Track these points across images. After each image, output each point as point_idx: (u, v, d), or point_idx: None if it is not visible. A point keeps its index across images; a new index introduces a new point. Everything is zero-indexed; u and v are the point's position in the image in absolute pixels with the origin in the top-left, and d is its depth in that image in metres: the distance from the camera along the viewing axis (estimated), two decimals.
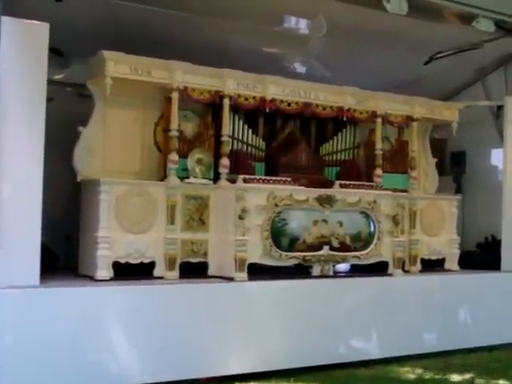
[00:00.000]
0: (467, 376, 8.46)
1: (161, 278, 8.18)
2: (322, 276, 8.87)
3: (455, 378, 8.42)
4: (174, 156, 8.40)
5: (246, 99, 8.97)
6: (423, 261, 10.17)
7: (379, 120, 9.97)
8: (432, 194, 10.99)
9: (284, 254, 8.59)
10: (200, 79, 8.60)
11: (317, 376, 8.20)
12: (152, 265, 8.19)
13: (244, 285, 8.27)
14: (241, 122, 9.18)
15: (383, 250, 9.37)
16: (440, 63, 10.55)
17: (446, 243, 10.42)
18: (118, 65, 8.05)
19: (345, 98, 9.62)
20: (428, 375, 8.55)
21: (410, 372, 8.67)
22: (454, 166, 12.49)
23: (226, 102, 8.77)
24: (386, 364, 8.85)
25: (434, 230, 10.32)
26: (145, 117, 8.73)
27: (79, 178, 8.26)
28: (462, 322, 9.95)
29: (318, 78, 9.77)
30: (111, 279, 7.84)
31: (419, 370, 8.70)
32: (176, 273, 8.27)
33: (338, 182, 9.28)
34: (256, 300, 8.28)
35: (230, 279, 8.27)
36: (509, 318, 10.33)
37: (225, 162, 8.70)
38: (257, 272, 8.42)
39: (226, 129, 8.82)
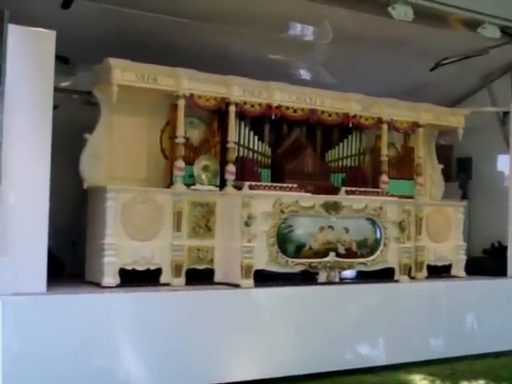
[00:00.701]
0: (474, 383, 8.45)
1: (167, 284, 8.18)
2: (329, 283, 8.87)
3: None
4: (180, 163, 8.41)
5: (252, 106, 8.98)
6: (429, 267, 10.15)
7: (385, 126, 9.97)
8: (438, 200, 10.97)
9: (290, 260, 8.59)
10: (206, 86, 8.61)
11: (323, 383, 8.20)
12: (158, 271, 8.20)
13: (250, 291, 8.26)
14: (247, 129, 9.19)
15: (389, 256, 9.36)
16: (446, 69, 10.56)
17: (452, 249, 10.40)
18: (124, 72, 8.07)
19: (350, 105, 9.63)
20: (435, 382, 8.54)
21: (416, 378, 8.65)
22: (460, 172, 12.49)
23: (232, 108, 8.78)
24: (392, 370, 8.84)
25: (441, 236, 10.31)
26: (151, 124, 8.74)
27: (85, 185, 8.25)
28: (468, 328, 9.93)
29: (323, 85, 9.77)
30: (117, 286, 7.85)
31: (426, 377, 8.69)
32: (182, 279, 8.28)
33: (344, 189, 9.27)
34: (262, 307, 8.27)
35: (237, 286, 8.27)
36: None
37: (231, 168, 8.71)
38: (263, 279, 8.42)
39: (232, 135, 8.83)
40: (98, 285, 7.91)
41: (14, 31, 6.98)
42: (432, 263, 10.20)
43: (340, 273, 9.05)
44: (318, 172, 9.61)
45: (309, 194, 8.90)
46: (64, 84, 9.31)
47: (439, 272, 10.25)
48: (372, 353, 8.96)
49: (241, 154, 9.09)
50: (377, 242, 9.29)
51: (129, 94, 8.18)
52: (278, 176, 9.26)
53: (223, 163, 8.79)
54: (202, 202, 8.50)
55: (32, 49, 7.13)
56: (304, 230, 8.77)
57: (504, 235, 10.85)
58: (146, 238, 8.14)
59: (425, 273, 10.06)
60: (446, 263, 10.36)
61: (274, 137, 9.63)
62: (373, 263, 9.23)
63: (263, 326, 8.15)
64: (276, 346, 8.20)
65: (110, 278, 7.86)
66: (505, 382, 8.53)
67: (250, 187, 8.50)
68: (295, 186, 8.85)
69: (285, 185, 8.83)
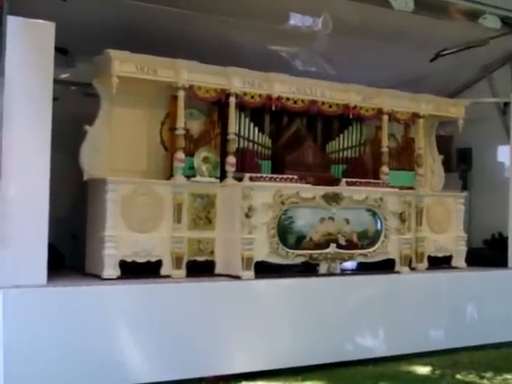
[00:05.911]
0: (475, 374, 8.46)
1: (168, 276, 8.16)
2: (329, 274, 8.86)
3: (463, 375, 8.41)
4: (180, 155, 8.39)
5: (252, 97, 8.94)
6: (430, 258, 10.15)
7: (385, 117, 9.94)
8: (438, 191, 10.95)
9: (291, 252, 8.58)
10: (206, 77, 8.58)
11: (324, 374, 8.19)
12: (159, 263, 8.18)
13: (251, 283, 8.26)
14: (247, 120, 9.17)
15: (390, 247, 9.35)
16: (446, 60, 10.51)
17: (452, 240, 10.40)
18: (123, 64, 8.04)
19: (351, 96, 9.60)
20: (435, 373, 8.54)
21: (417, 370, 8.66)
22: (461, 163, 12.49)
23: (232, 100, 8.75)
24: (393, 362, 8.84)
25: (441, 227, 10.31)
26: (151, 115, 8.72)
27: (85, 177, 8.24)
28: (469, 319, 9.94)
29: (323, 76, 9.75)
30: (118, 278, 7.83)
31: (427, 368, 8.71)
32: (183, 271, 8.26)
33: (344, 180, 9.26)
34: (263, 298, 8.27)
35: (237, 277, 8.27)
36: None
37: (231, 160, 8.69)
38: (264, 270, 8.41)
39: (232, 127, 8.81)
40: (98, 277, 7.88)
41: (13, 23, 6.96)
42: (432, 254, 10.20)
43: (341, 264, 9.05)
44: (319, 163, 9.62)
45: (309, 186, 8.90)
46: (64, 76, 9.28)
47: (440, 263, 10.25)
48: (373, 344, 8.96)
49: (241, 145, 9.08)
50: (377, 234, 9.27)
51: (129, 85, 8.14)
52: (279, 167, 9.25)
53: (223, 155, 8.77)
54: (202, 193, 8.48)
55: (31, 40, 7.11)
56: (304, 221, 8.75)
57: (504, 226, 10.84)
58: (147, 229, 8.12)
59: (425, 264, 10.06)
60: (447, 254, 10.37)
61: (275, 128, 9.63)
62: (373, 254, 9.22)
63: (264, 318, 8.14)
64: (276, 338, 8.19)
65: (111, 270, 7.84)
66: (506, 373, 8.52)
67: (251, 179, 8.49)
68: (296, 177, 8.84)
69: (285, 176, 8.80)
